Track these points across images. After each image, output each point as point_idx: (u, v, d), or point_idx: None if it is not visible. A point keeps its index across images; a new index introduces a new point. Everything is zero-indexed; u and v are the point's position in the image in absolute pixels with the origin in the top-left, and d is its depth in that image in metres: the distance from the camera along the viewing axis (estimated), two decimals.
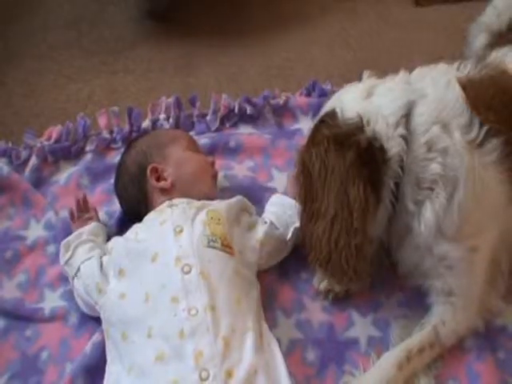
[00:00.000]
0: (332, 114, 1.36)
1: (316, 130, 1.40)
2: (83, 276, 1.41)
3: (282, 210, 1.57)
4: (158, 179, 1.54)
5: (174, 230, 1.38)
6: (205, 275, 1.30)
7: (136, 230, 1.46)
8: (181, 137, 1.67)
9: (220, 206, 1.50)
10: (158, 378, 1.19)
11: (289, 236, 1.53)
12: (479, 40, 1.89)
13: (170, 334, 1.23)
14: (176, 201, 1.48)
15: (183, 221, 1.40)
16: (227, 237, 1.41)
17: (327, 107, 1.43)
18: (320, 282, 1.49)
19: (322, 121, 1.40)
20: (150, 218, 1.48)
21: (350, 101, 1.38)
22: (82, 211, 1.59)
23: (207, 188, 1.59)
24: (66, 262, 1.46)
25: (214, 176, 1.64)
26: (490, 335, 1.44)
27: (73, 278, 1.44)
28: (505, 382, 1.37)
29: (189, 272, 1.30)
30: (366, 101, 1.37)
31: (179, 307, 1.25)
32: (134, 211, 1.55)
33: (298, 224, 1.51)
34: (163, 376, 1.19)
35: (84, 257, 1.44)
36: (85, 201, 1.61)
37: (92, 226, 1.53)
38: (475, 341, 1.41)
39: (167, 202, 1.48)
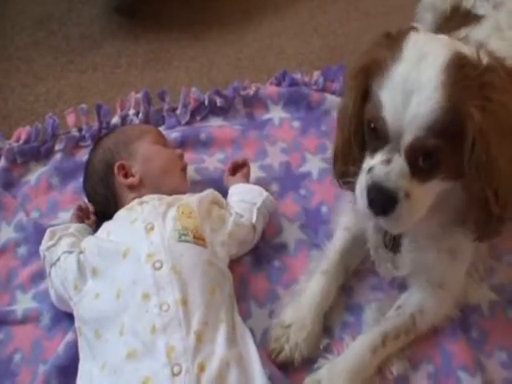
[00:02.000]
0: None
1: None
2: (62, 268, 1.39)
3: (241, 197, 1.58)
4: (126, 176, 1.53)
5: (145, 228, 1.37)
6: (176, 270, 1.30)
7: (107, 228, 1.45)
8: (147, 131, 1.66)
9: (191, 199, 1.50)
10: (130, 375, 1.18)
11: (254, 219, 1.54)
12: (426, 20, 1.89)
13: (142, 331, 1.22)
14: (146, 198, 1.48)
15: (154, 218, 1.40)
16: (199, 229, 1.41)
17: None
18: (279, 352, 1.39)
19: None
20: (120, 215, 1.47)
21: None
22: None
23: (177, 182, 1.58)
24: (48, 249, 1.43)
25: (184, 169, 1.63)
26: (464, 315, 1.45)
27: (51, 266, 1.42)
28: (478, 360, 1.39)
29: (160, 268, 1.30)
30: None
31: (151, 303, 1.25)
32: (104, 209, 1.54)
33: (259, 204, 1.54)
34: (135, 373, 1.18)
35: (66, 248, 1.41)
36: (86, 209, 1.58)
37: (81, 225, 1.52)
38: (448, 321, 1.43)
39: (137, 200, 1.47)
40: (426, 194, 1.20)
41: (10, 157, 1.78)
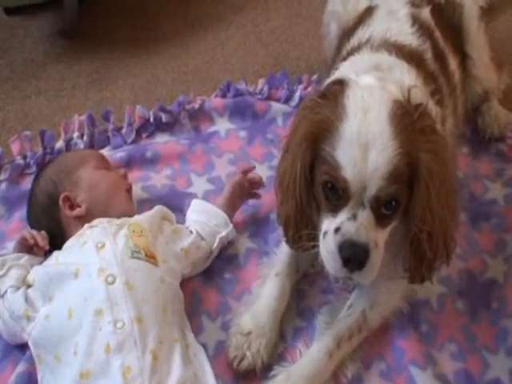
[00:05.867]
0: None
1: None
2: (9, 302, 1.36)
3: (205, 219, 1.57)
4: (72, 207, 1.51)
5: (96, 246, 1.36)
6: (130, 286, 1.29)
7: (56, 255, 1.43)
8: (88, 156, 1.64)
9: (140, 218, 1.50)
10: None
11: (214, 246, 1.54)
12: (332, 30, 1.95)
13: (96, 350, 1.21)
14: (95, 222, 1.46)
15: (104, 237, 1.39)
16: (150, 248, 1.41)
17: None
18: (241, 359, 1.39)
19: None
20: (70, 243, 1.45)
21: None
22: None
23: (124, 204, 1.57)
24: None
25: (129, 190, 1.63)
26: (413, 310, 1.48)
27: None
28: (429, 354, 1.41)
29: (113, 282, 1.28)
30: None
31: (104, 320, 1.23)
32: (51, 242, 1.48)
33: (223, 233, 1.55)
34: None
35: (14, 282, 1.38)
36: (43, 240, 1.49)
37: (33, 257, 1.46)
38: (397, 318, 1.45)
39: (86, 225, 1.46)
40: (385, 237, 1.26)
41: None
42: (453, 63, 1.71)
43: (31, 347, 1.33)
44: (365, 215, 1.20)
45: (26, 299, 1.35)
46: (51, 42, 2.45)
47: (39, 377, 1.31)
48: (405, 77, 1.42)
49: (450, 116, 1.63)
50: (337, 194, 1.22)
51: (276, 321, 1.43)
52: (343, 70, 1.50)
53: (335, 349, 1.37)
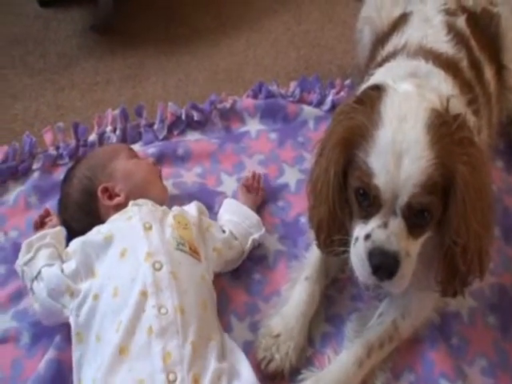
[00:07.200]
0: None
1: None
2: (46, 280, 1.35)
3: (239, 219, 1.58)
4: (111, 197, 1.52)
5: (144, 226, 1.37)
6: (175, 275, 1.30)
7: (98, 228, 1.43)
8: (118, 148, 1.67)
9: (183, 211, 1.51)
10: (124, 376, 1.18)
11: (247, 246, 1.54)
12: (366, 35, 1.94)
13: (137, 330, 1.22)
14: (140, 201, 1.48)
15: (151, 219, 1.40)
16: (194, 242, 1.42)
17: None
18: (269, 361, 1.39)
19: None
20: (113, 217, 1.45)
21: None
22: (45, 220, 1.56)
23: (159, 189, 1.60)
24: (27, 263, 1.39)
25: (160, 176, 1.65)
26: (444, 323, 1.46)
27: (32, 281, 1.38)
28: (458, 367, 1.39)
29: (160, 269, 1.29)
30: None
31: (148, 303, 1.24)
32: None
33: (256, 235, 1.55)
34: (129, 374, 1.18)
35: (46, 261, 1.38)
36: (47, 212, 1.58)
37: (57, 229, 1.49)
38: (428, 329, 1.44)
39: (131, 202, 1.48)
40: (418, 247, 1.24)
41: None
42: (488, 72, 1.70)
43: (72, 325, 1.32)
44: (396, 223, 1.19)
45: (65, 273, 1.35)
46: (84, 35, 2.46)
47: (75, 356, 1.30)
48: (442, 85, 1.40)
49: (485, 127, 1.60)
50: (368, 201, 1.21)
51: (304, 325, 1.42)
52: (379, 76, 1.49)
53: (365, 358, 1.35)
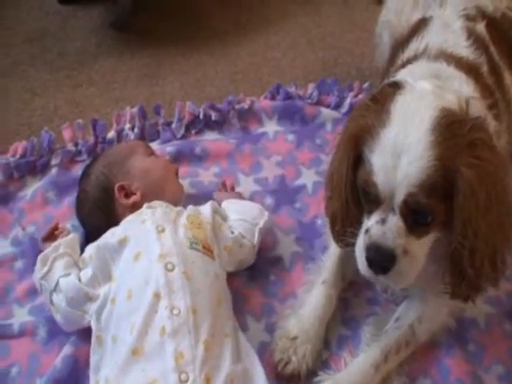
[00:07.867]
0: None
1: None
2: (64, 290, 1.36)
3: (243, 215, 1.57)
4: (127, 196, 1.53)
5: (156, 229, 1.38)
6: (188, 276, 1.30)
7: (112, 230, 1.43)
8: (136, 146, 1.67)
9: (197, 211, 1.51)
10: (137, 375, 1.19)
11: (255, 240, 1.54)
12: (385, 39, 1.94)
13: (150, 331, 1.22)
14: (154, 203, 1.48)
15: (165, 222, 1.40)
16: (208, 241, 1.42)
17: None
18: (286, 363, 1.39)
19: None
20: (128, 219, 1.46)
21: None
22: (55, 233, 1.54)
23: (175, 187, 1.61)
24: (44, 277, 1.39)
25: (177, 173, 1.66)
26: (460, 329, 1.45)
27: (51, 293, 1.38)
28: (474, 374, 1.38)
29: (172, 270, 1.30)
30: None
31: (161, 304, 1.25)
32: (101, 234, 1.47)
33: (261, 225, 1.54)
34: (141, 373, 1.18)
35: (62, 272, 1.38)
36: (56, 225, 1.56)
37: (69, 237, 1.49)
38: (444, 335, 1.43)
39: (146, 204, 1.48)
40: (424, 247, 1.23)
41: (7, 171, 1.78)
42: (508, 78, 1.68)
43: (93, 328, 1.33)
44: (394, 221, 1.19)
45: (83, 282, 1.36)
46: (103, 33, 2.48)
47: (94, 359, 1.31)
48: (463, 88, 1.39)
49: (505, 132, 1.60)
50: (370, 197, 1.23)
51: (321, 328, 1.42)
52: (401, 77, 1.49)
53: (382, 362, 1.35)
